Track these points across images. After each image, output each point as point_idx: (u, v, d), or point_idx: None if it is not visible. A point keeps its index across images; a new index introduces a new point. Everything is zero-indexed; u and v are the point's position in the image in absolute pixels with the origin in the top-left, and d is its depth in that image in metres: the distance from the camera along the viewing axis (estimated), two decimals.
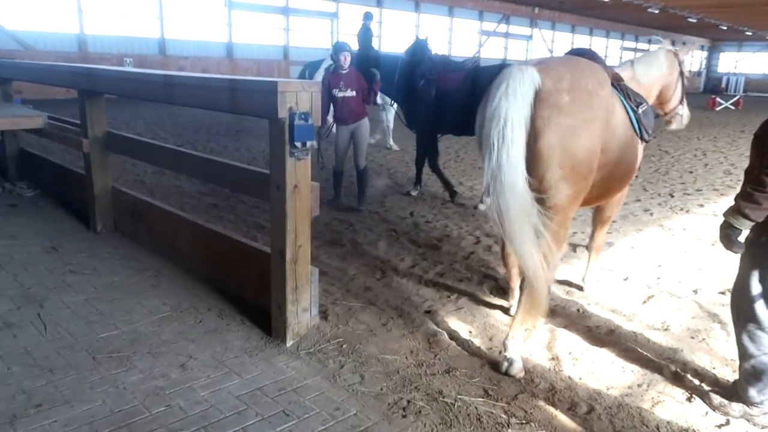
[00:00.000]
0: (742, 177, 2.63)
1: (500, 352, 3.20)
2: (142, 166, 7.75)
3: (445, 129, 6.94)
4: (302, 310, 3.36)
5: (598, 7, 32.66)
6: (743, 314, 2.76)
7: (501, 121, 2.76)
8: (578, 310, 3.96)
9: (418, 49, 6.93)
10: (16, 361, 3.01)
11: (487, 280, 4.46)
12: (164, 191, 6.85)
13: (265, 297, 3.45)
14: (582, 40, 38.46)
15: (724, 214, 2.65)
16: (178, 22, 21.15)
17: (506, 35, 33.45)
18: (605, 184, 3.37)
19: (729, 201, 2.96)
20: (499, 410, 2.78)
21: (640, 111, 3.48)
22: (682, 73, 4.19)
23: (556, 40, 36.86)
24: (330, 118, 6.55)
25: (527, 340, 3.33)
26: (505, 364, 3.09)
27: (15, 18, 17.63)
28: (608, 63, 3.68)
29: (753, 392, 2.77)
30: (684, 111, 4.36)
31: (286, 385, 2.90)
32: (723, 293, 4.29)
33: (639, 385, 3.06)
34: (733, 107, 25.50)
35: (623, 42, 42.41)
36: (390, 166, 9.23)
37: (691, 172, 9.68)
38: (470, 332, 3.60)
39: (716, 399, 2.87)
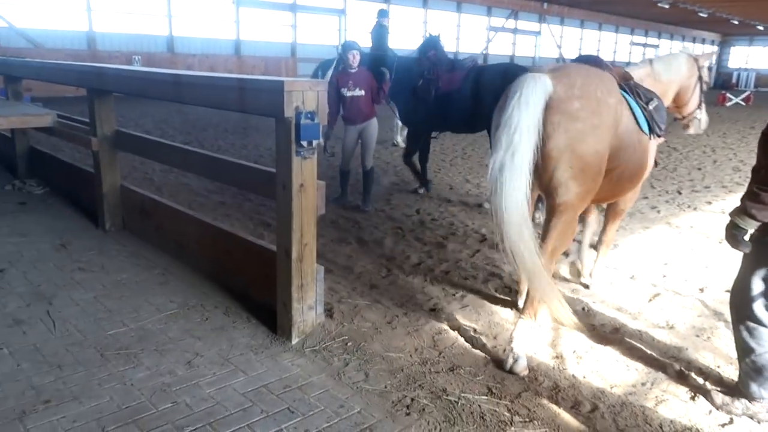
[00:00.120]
0: (750, 175, 2.62)
1: (505, 350, 3.22)
2: (151, 164, 7.81)
3: (443, 127, 6.94)
4: (308, 308, 3.38)
5: (608, 2, 32.45)
6: (743, 311, 2.77)
7: (512, 128, 2.89)
8: (583, 309, 3.97)
9: (431, 45, 6.78)
10: (25, 358, 3.06)
11: (492, 279, 4.47)
12: (172, 189, 6.90)
13: (271, 295, 3.48)
14: (591, 36, 38.25)
15: (731, 214, 2.66)
16: (186, 19, 21.28)
17: (515, 31, 33.28)
18: (617, 184, 3.46)
19: (737, 198, 2.96)
20: (502, 408, 2.80)
21: (650, 107, 3.52)
22: (701, 78, 4.24)
23: (565, 36, 36.65)
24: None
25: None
26: (510, 360, 3.11)
27: (25, 16, 17.79)
28: (619, 59, 3.72)
29: (754, 387, 2.78)
30: (702, 116, 4.41)
31: (291, 382, 2.93)
32: (729, 292, 4.25)
33: (643, 384, 3.06)
34: (743, 103, 25.30)
35: (633, 37, 42.09)
36: (396, 164, 9.22)
37: (699, 169, 9.62)
38: (475, 330, 3.61)
39: (719, 397, 2.88)
